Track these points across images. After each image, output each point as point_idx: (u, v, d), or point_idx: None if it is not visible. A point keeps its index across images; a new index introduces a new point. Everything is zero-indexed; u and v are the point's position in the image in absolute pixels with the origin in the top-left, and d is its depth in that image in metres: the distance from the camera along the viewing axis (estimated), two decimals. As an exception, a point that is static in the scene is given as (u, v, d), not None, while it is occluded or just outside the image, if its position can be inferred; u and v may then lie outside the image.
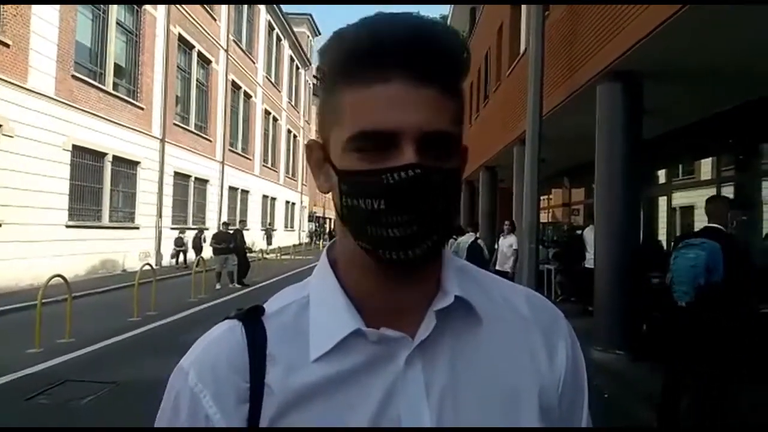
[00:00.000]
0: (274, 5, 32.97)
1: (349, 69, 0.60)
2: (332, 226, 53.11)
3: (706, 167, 9.79)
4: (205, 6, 22.73)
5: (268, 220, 34.82)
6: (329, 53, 0.62)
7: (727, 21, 5.15)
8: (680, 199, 10.68)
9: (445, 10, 29.73)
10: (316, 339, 0.65)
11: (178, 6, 20.03)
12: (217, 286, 14.10)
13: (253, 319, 0.68)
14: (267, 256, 24.48)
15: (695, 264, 3.91)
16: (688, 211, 10.44)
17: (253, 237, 25.57)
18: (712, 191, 8.84)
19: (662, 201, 11.12)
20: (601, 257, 7.18)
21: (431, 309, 0.65)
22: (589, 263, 9.20)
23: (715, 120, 8.30)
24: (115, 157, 16.17)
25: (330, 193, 0.66)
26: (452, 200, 0.62)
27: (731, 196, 7.98)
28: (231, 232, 15.24)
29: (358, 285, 0.67)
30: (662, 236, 10.90)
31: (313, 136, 57.11)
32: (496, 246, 11.51)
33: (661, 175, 11.24)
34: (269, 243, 31.87)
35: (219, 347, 0.66)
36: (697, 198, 9.74)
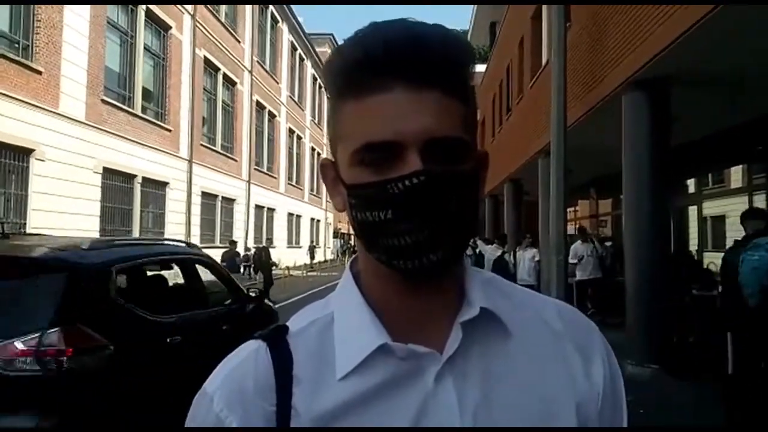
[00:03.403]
0: (297, 27, 33.47)
1: (347, 83, 0.59)
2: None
3: (736, 175, 9.56)
4: (230, 29, 23.16)
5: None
6: (328, 70, 0.61)
7: (757, 24, 5.03)
8: (711, 208, 10.42)
9: (465, 25, 29.87)
10: (341, 356, 0.62)
11: (203, 29, 20.44)
12: None
13: (277, 340, 0.65)
14: (293, 273, 24.60)
15: (758, 266, 3.85)
16: (719, 220, 10.19)
17: (279, 254, 25.77)
18: (743, 200, 8.63)
19: (692, 211, 10.88)
20: (631, 269, 7.03)
21: (457, 321, 0.62)
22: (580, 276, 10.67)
23: (745, 127, 8.12)
24: (144, 179, 16.47)
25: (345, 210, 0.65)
26: (466, 203, 0.59)
27: (763, 204, 7.78)
28: (237, 250, 15.60)
29: (381, 298, 0.65)
30: (693, 247, 10.66)
31: (336, 153, 59.06)
32: (511, 258, 11.58)
33: (691, 184, 11.01)
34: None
35: (244, 370, 0.64)
36: (728, 207, 9.52)
